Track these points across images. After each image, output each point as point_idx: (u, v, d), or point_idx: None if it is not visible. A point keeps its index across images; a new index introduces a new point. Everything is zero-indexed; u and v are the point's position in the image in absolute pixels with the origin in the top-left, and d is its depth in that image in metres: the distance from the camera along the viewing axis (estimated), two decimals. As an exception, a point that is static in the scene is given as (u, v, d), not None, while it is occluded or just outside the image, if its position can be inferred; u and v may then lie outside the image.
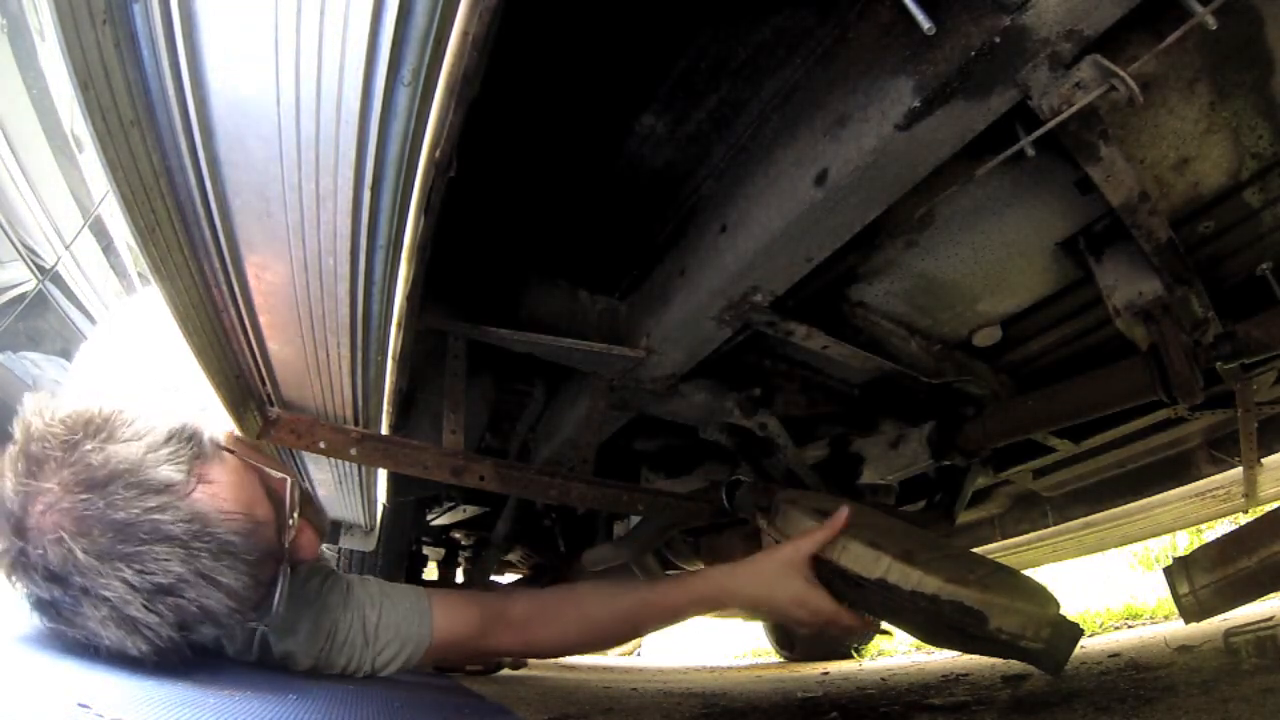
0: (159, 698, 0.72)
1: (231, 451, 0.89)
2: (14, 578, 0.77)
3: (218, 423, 0.92)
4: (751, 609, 1.13)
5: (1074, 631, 0.98)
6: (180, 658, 0.81)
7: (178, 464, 0.81)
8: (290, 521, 0.93)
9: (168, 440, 0.83)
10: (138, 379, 0.98)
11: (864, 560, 1.01)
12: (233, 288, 0.76)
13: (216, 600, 0.79)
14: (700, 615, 1.20)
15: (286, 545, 0.92)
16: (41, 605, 0.78)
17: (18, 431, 0.81)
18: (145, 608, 0.76)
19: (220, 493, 0.84)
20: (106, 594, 0.75)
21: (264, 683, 0.90)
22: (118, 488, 0.77)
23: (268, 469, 0.92)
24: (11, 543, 0.76)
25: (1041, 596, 1.03)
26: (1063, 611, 1.01)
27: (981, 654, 1.00)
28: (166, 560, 0.76)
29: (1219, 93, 0.87)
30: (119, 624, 0.76)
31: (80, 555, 0.74)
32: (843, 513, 1.04)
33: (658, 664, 4.55)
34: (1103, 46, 0.68)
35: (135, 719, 0.65)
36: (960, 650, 1.02)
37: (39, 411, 0.81)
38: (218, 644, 1.00)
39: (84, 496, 0.76)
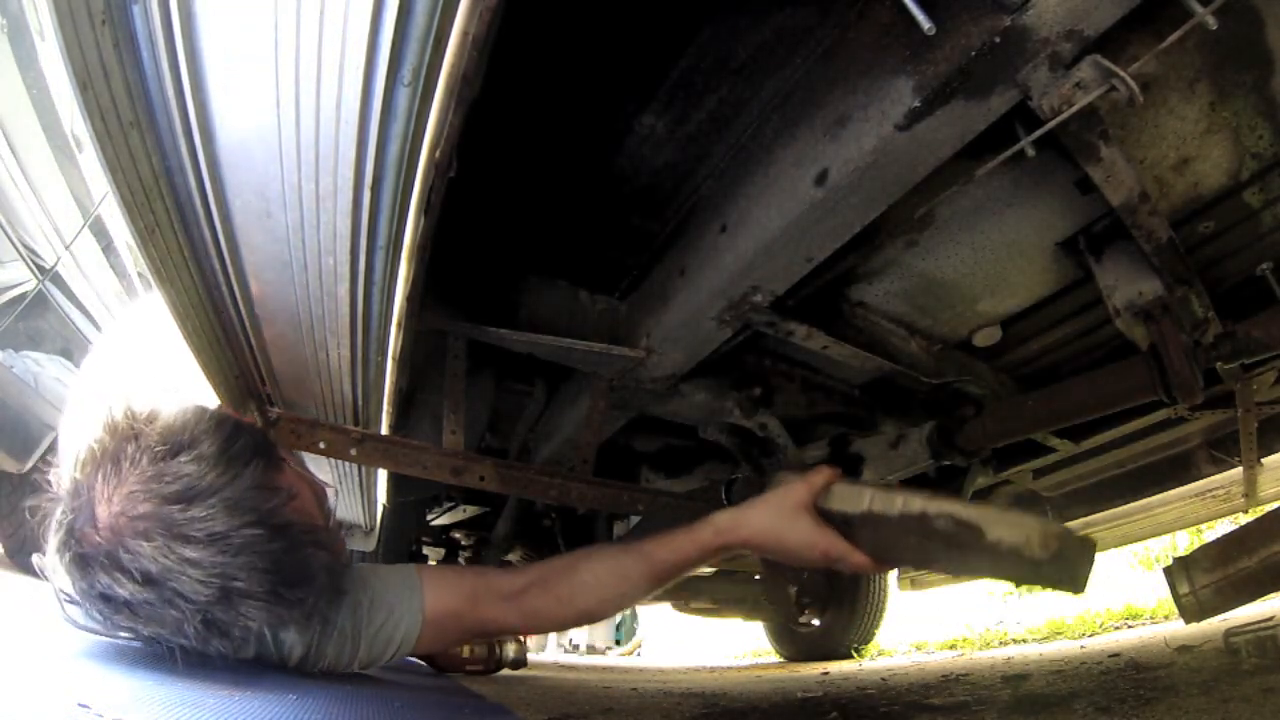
0: (159, 698, 0.72)
1: (284, 458, 0.92)
2: (90, 574, 0.80)
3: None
4: (761, 550, 1.08)
5: (1086, 544, 0.88)
6: (247, 660, 0.87)
7: (265, 483, 0.85)
8: (332, 523, 0.96)
9: (255, 456, 0.86)
10: (142, 379, 1.00)
11: (849, 497, 0.98)
12: (233, 288, 0.76)
13: (300, 608, 0.86)
14: (708, 563, 1.15)
15: (335, 549, 0.95)
16: (118, 604, 0.80)
17: (103, 430, 0.84)
18: (235, 612, 0.81)
19: (299, 506, 0.88)
20: (199, 598, 0.79)
21: (264, 683, 0.90)
22: (216, 502, 0.81)
23: (313, 475, 0.95)
24: (94, 542, 0.79)
25: (1043, 519, 0.97)
26: (1070, 527, 0.94)
27: (984, 575, 0.92)
28: (257, 572, 0.81)
29: (1219, 93, 0.87)
30: (207, 626, 0.81)
31: (176, 562, 0.78)
32: (831, 470, 1.03)
33: (658, 664, 4.55)
34: (1103, 46, 0.68)
35: (135, 719, 0.65)
36: (959, 573, 0.97)
37: (128, 413, 0.84)
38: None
39: (181, 507, 0.80)
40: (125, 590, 0.78)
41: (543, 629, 1.27)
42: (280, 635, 1.02)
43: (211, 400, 0.93)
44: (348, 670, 1.06)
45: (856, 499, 0.97)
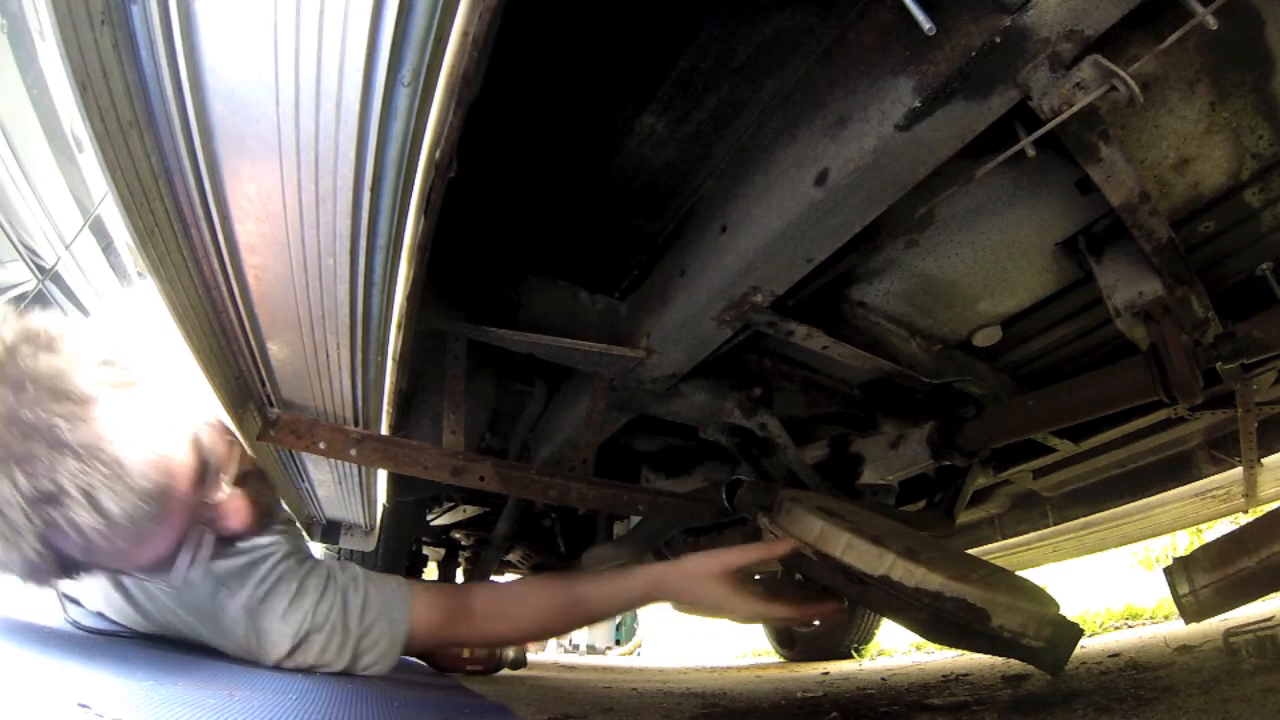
0: (159, 698, 0.72)
1: (191, 410, 0.89)
2: None
3: (184, 380, 0.90)
4: (683, 608, 1.24)
5: (1074, 631, 0.98)
6: (44, 582, 0.81)
7: (102, 382, 0.81)
8: (219, 478, 0.91)
9: (104, 362, 0.83)
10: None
11: (868, 557, 1.01)
12: (232, 289, 0.76)
13: (91, 524, 0.77)
14: (635, 609, 1.33)
15: (205, 502, 0.89)
16: None
17: None
18: (25, 514, 0.75)
19: (136, 420, 0.83)
20: (12, 498, 0.75)
21: (264, 683, 0.90)
22: (34, 389, 0.77)
23: (209, 420, 0.91)
24: None
25: (1042, 597, 1.03)
26: (1063, 611, 1.01)
27: (982, 651, 1.00)
28: (55, 469, 0.75)
29: (1219, 93, 0.87)
30: (42, 530, 0.76)
31: None
32: (786, 543, 1.10)
33: (658, 664, 4.55)
34: (1103, 47, 0.68)
35: (135, 719, 0.65)
36: (961, 648, 1.03)
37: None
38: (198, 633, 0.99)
39: (5, 392, 0.76)
40: None
41: (495, 645, 1.45)
42: (263, 624, 1.02)
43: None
44: (331, 669, 1.06)
45: (877, 561, 1.01)
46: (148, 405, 0.85)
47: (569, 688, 2.03)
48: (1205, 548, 1.35)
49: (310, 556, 1.16)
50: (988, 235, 1.10)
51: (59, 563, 0.81)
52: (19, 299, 3.52)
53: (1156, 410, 1.45)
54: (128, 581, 1.06)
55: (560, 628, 1.28)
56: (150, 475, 0.81)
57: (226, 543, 0.96)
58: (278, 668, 1.04)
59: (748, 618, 1.16)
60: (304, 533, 1.31)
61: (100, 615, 1.13)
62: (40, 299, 3.54)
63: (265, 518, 1.03)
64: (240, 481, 0.95)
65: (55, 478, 0.75)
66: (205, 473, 0.89)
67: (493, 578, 2.76)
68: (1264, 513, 1.42)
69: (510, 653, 2.08)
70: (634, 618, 8.12)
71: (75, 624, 1.08)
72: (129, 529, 0.80)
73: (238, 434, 0.92)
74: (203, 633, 1.06)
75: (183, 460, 0.87)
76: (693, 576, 1.15)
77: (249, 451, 0.95)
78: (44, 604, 1.14)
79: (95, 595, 1.13)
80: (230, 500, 0.93)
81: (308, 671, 1.05)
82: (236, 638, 1.04)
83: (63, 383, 0.79)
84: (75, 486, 0.76)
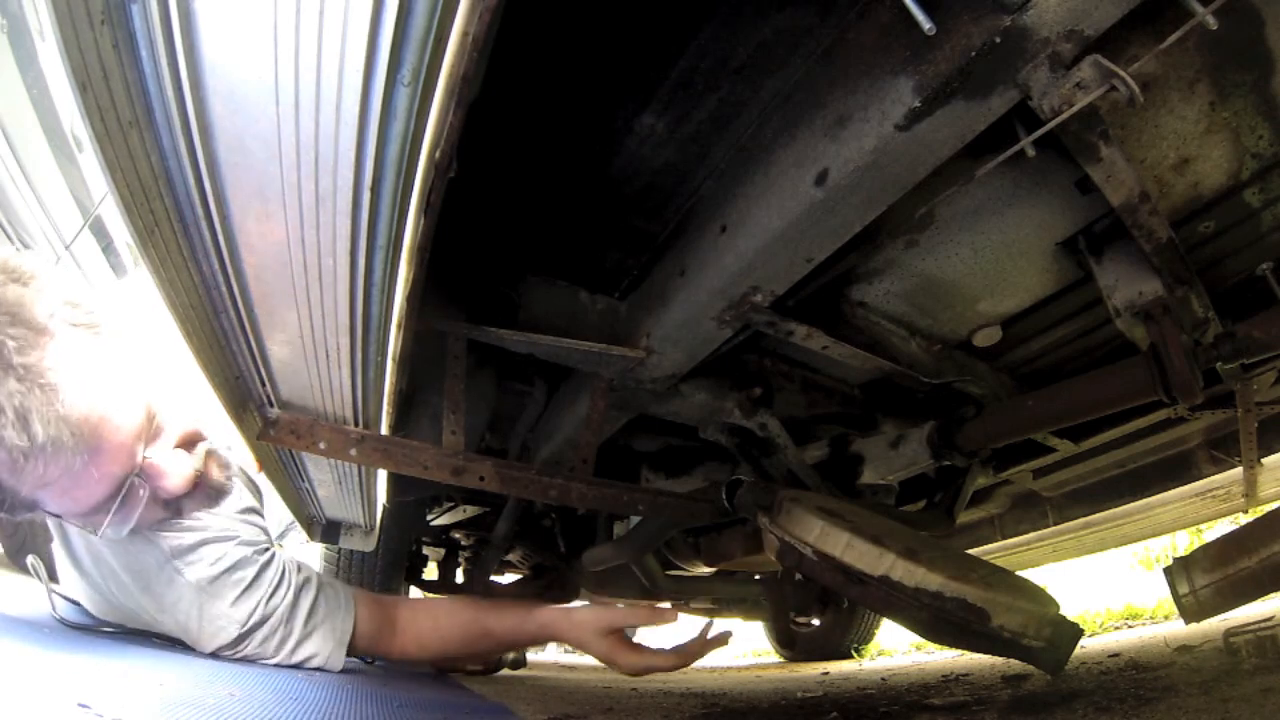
0: (159, 698, 0.72)
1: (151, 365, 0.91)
2: None
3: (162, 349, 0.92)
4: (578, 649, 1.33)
5: (1074, 631, 0.98)
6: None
7: (63, 320, 0.83)
8: (158, 439, 0.92)
9: (70, 303, 0.85)
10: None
11: (868, 557, 1.01)
12: (232, 289, 0.76)
13: (17, 443, 0.78)
14: (535, 645, 1.43)
15: (140, 457, 0.90)
16: None
17: None
18: None
19: (86, 359, 0.84)
20: None
21: (264, 683, 0.90)
22: None
23: (174, 389, 0.93)
24: None
25: (1042, 597, 1.03)
26: (1063, 612, 1.01)
27: (982, 652, 1.00)
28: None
29: (1219, 93, 0.87)
30: None
31: None
32: (670, 613, 1.27)
33: (658, 664, 4.52)
34: (1103, 46, 0.68)
35: (135, 719, 0.65)
36: (961, 648, 1.03)
37: None
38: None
39: None
40: None
41: (413, 660, 1.40)
42: (211, 608, 1.03)
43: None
44: (269, 660, 1.09)
45: (876, 561, 1.01)
46: (104, 350, 0.87)
47: (569, 688, 2.03)
48: (1205, 548, 1.35)
49: (268, 550, 1.17)
50: (988, 235, 1.10)
51: None
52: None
53: (1156, 410, 1.45)
54: (79, 553, 1.06)
55: (466, 654, 1.36)
56: (85, 409, 0.83)
57: (169, 510, 0.97)
58: (214, 655, 1.04)
59: (626, 671, 1.26)
60: (267, 528, 1.33)
61: (78, 607, 1.14)
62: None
63: (214, 493, 1.04)
64: (188, 448, 0.95)
65: None
66: (145, 429, 0.90)
67: (493, 578, 2.76)
68: (1264, 513, 1.42)
69: (510, 653, 2.08)
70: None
71: (62, 620, 1.08)
72: (54, 456, 0.81)
73: (195, 409, 0.94)
74: (145, 608, 1.05)
75: (125, 406, 0.88)
76: (580, 626, 1.26)
77: (204, 429, 0.96)
78: (34, 601, 1.14)
79: (73, 585, 1.14)
80: (170, 460, 0.93)
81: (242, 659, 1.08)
82: (178, 616, 1.03)
83: (23, 311, 0.80)
84: (10, 405, 0.77)
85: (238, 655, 1.07)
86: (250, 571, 1.08)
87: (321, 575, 1.22)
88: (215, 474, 1.04)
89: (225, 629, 1.03)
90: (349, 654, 1.21)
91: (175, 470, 0.94)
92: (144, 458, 0.91)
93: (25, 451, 0.79)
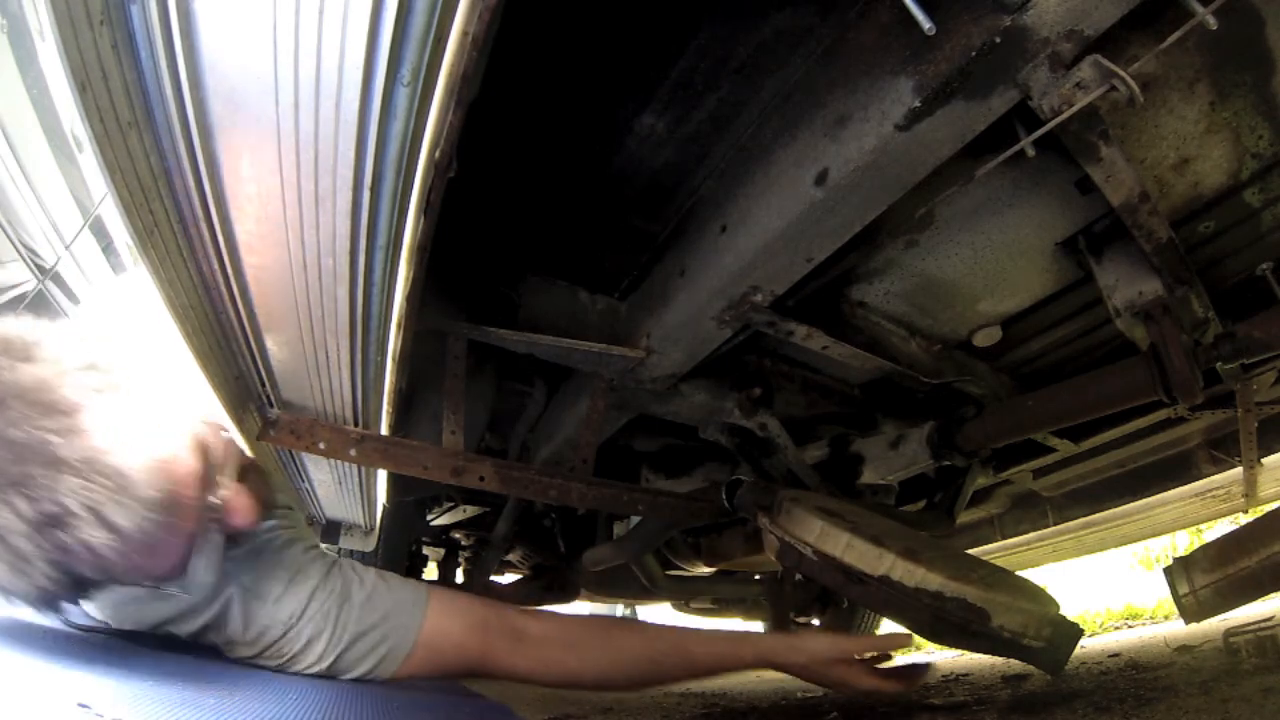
0: (159, 698, 0.72)
1: (173, 403, 0.84)
2: None
3: (169, 375, 0.86)
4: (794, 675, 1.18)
5: (1074, 631, 0.98)
6: (57, 607, 0.76)
7: (90, 390, 0.76)
8: (218, 477, 0.85)
9: (88, 368, 0.77)
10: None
11: (868, 557, 1.02)
12: (232, 289, 0.76)
13: (104, 541, 0.72)
14: (734, 672, 1.20)
15: (211, 502, 0.84)
16: None
17: None
18: (30, 540, 0.70)
19: (128, 424, 0.77)
20: (12, 524, 0.68)
21: (264, 684, 0.90)
22: (16, 404, 0.71)
23: (202, 418, 0.87)
24: None
25: (1042, 597, 1.03)
26: (1063, 612, 1.01)
27: (982, 652, 1.00)
28: (55, 488, 0.70)
29: (1219, 93, 0.87)
30: (2, 557, 0.70)
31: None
32: (902, 637, 1.12)
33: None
34: (1103, 46, 0.68)
35: (135, 719, 0.65)
36: (961, 648, 1.03)
37: None
38: (170, 627, 0.93)
39: None
40: None
41: (550, 683, 1.10)
42: (254, 610, 0.94)
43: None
44: (312, 670, 0.98)
45: (876, 561, 1.01)
46: (139, 408, 0.80)
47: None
48: (1205, 548, 1.35)
49: (313, 543, 1.10)
50: (988, 235, 1.10)
51: (73, 584, 0.76)
52: (18, 299, 3.52)
53: (1156, 410, 1.45)
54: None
55: (648, 677, 1.10)
56: (155, 482, 0.77)
57: (232, 540, 0.92)
58: (252, 661, 0.95)
59: (862, 690, 1.12)
60: (303, 520, 1.20)
61: (80, 609, 1.09)
62: (40, 299, 3.54)
63: (266, 509, 0.98)
64: (241, 477, 0.91)
65: (57, 498, 0.70)
66: (207, 472, 0.85)
67: (493, 578, 2.76)
68: (1264, 513, 1.42)
69: None
70: (633, 616, 8.10)
71: (68, 622, 1.06)
72: (141, 541, 0.75)
73: (232, 429, 0.91)
74: (177, 612, 0.95)
75: (184, 462, 0.82)
76: (814, 657, 1.10)
77: (244, 446, 0.92)
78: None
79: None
80: (235, 497, 0.87)
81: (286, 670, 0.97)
82: (213, 617, 0.96)
83: (48, 394, 0.73)
84: (80, 504, 0.71)
85: (281, 661, 0.96)
86: (293, 567, 0.98)
87: (382, 571, 1.06)
88: (263, 488, 0.98)
89: (268, 630, 0.96)
90: (437, 662, 1.04)
91: (239, 505, 0.87)
92: (212, 504, 0.85)
93: (114, 547, 0.73)
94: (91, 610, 1.03)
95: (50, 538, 0.70)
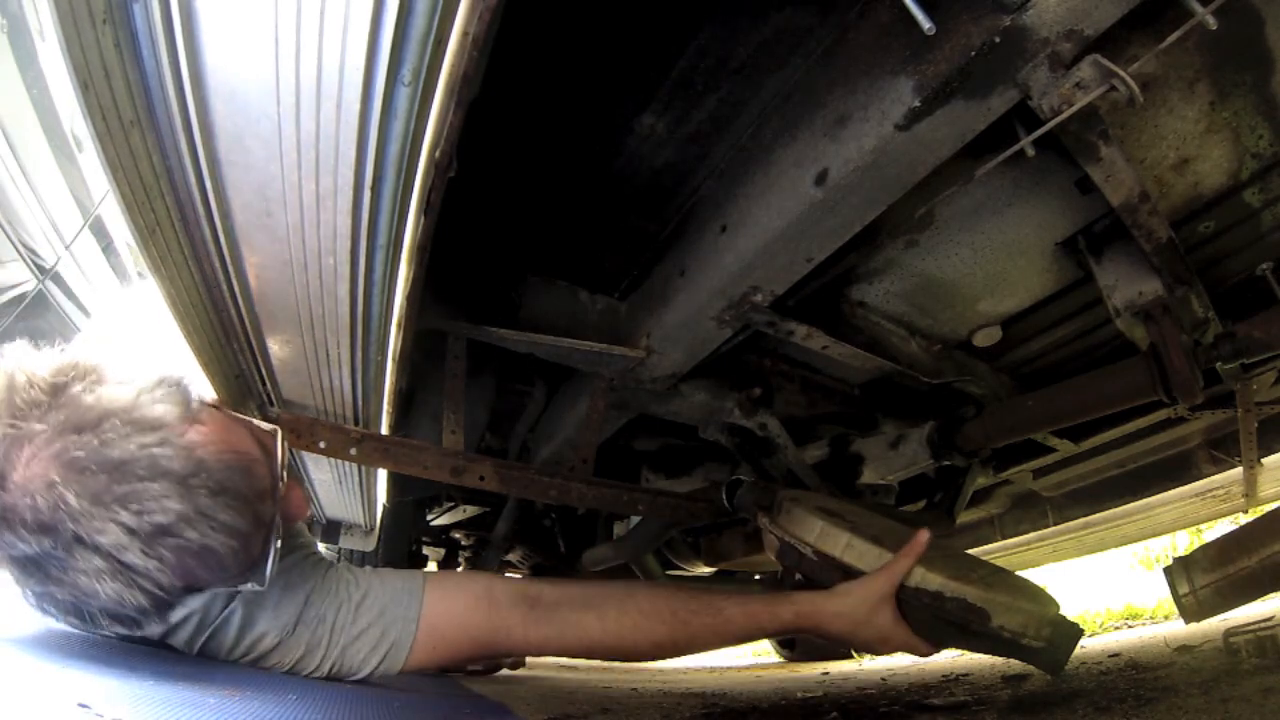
0: (159, 698, 0.72)
1: (217, 407, 0.87)
2: None
3: (201, 385, 0.89)
4: (830, 639, 1.03)
5: (1074, 631, 0.98)
6: (167, 617, 0.79)
7: (170, 404, 0.78)
8: (281, 475, 0.88)
9: (158, 384, 0.79)
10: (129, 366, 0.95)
11: (868, 557, 1.02)
12: (233, 287, 0.76)
13: (218, 541, 0.75)
14: (769, 638, 1.07)
15: (278, 501, 0.87)
16: (27, 565, 0.72)
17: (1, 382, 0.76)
18: (144, 553, 0.71)
19: (214, 433, 0.81)
20: (102, 540, 0.70)
21: (264, 684, 0.90)
22: (111, 425, 0.73)
23: (255, 421, 0.89)
24: None
25: (1042, 597, 1.03)
26: (1063, 612, 1.01)
27: (982, 652, 1.00)
28: (165, 498, 0.72)
29: (1219, 93, 0.87)
30: (115, 575, 0.71)
31: (73, 499, 0.69)
32: (924, 535, 0.97)
33: (657, 664, 4.54)
34: (1103, 46, 0.68)
35: (135, 719, 0.65)
36: (960, 648, 1.03)
37: (19, 363, 0.77)
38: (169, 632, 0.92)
39: (75, 437, 0.71)
40: (25, 544, 0.70)
41: (571, 651, 1.01)
42: (253, 614, 0.95)
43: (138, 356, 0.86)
44: (317, 675, 0.97)
45: (876, 561, 1.01)
46: (213, 415, 0.83)
47: (569, 687, 2.03)
48: (1205, 548, 1.35)
49: (312, 548, 1.11)
50: (988, 235, 1.10)
51: (182, 592, 0.79)
52: (18, 299, 3.52)
53: (1156, 410, 1.45)
54: None
55: (679, 645, 1.00)
56: (246, 481, 0.80)
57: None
58: (253, 664, 0.95)
59: (900, 649, 0.99)
60: (302, 525, 1.21)
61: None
62: (40, 299, 3.54)
63: (309, 505, 1.00)
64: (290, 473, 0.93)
65: (166, 506, 0.72)
66: (274, 468, 0.87)
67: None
68: (1264, 513, 1.42)
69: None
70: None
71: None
72: (246, 536, 0.79)
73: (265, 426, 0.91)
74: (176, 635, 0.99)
75: (259, 460, 0.85)
76: (860, 606, 0.96)
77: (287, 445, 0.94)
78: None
79: None
80: (291, 490, 0.89)
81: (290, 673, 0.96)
82: (219, 624, 0.96)
83: (140, 411, 0.75)
84: (192, 510, 0.73)
85: (278, 666, 0.96)
86: (288, 572, 0.97)
87: (378, 569, 1.05)
88: (303, 487, 0.99)
89: (264, 637, 0.97)
90: (446, 650, 1.00)
91: (296, 498, 0.91)
92: (280, 498, 0.87)
93: (231, 545, 0.77)
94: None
95: (163, 546, 0.72)
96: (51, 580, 0.72)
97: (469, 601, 0.99)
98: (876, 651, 1.02)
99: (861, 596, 0.97)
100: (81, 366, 0.78)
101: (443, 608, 0.99)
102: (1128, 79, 0.66)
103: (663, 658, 1.04)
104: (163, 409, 0.77)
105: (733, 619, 0.99)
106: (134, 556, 0.71)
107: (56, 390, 0.74)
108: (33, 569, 0.72)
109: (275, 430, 0.89)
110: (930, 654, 1.01)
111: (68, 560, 0.71)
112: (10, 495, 0.70)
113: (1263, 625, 1.22)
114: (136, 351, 0.97)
